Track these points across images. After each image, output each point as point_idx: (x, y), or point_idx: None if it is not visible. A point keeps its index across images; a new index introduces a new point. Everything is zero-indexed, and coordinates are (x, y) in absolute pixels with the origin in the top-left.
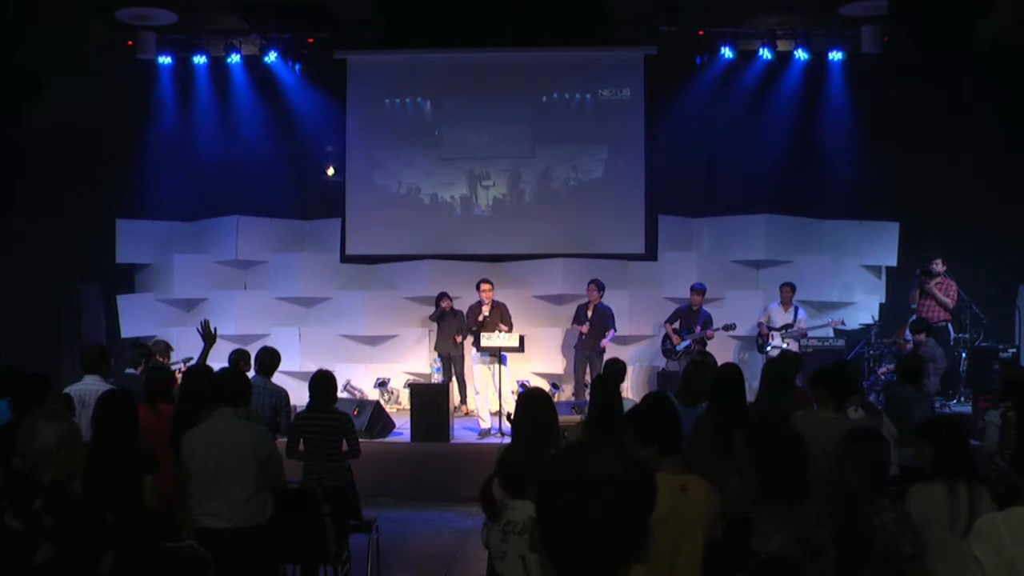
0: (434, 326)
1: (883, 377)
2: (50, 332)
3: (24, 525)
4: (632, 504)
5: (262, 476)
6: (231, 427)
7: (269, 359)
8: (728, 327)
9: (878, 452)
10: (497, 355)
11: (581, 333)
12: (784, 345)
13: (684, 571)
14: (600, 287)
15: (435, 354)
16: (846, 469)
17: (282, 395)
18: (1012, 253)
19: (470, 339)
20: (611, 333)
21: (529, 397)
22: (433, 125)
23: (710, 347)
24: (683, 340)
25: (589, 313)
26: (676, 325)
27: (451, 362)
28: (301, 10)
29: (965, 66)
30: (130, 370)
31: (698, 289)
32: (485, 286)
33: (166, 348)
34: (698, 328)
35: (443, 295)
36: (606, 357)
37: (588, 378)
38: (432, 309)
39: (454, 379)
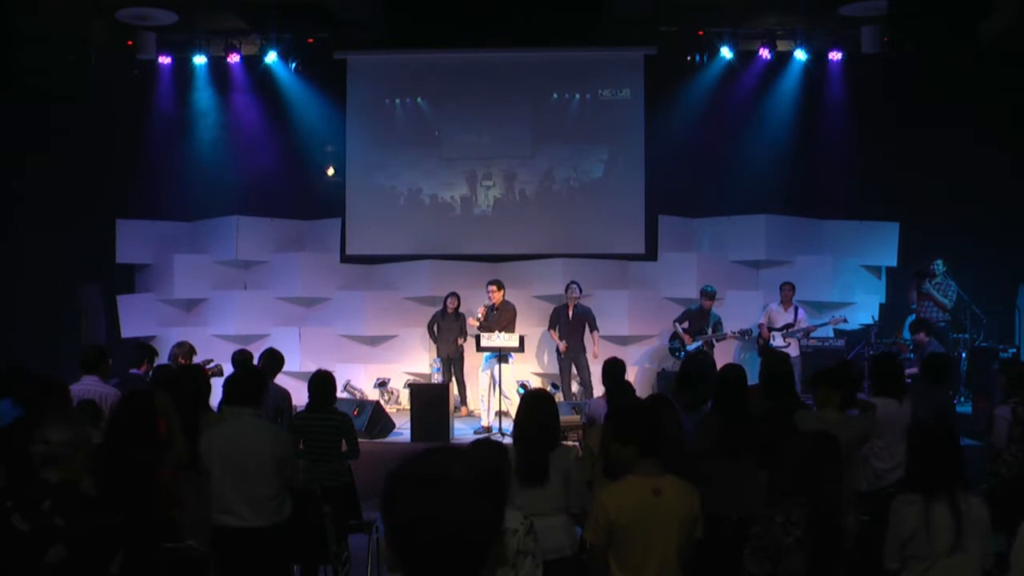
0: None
1: None
2: (50, 332)
3: (33, 526)
4: (479, 508)
5: (281, 476)
6: (252, 427)
7: (274, 362)
8: (745, 332)
9: (838, 454)
10: (500, 355)
11: (558, 345)
12: (785, 345)
13: (654, 570)
14: (579, 288)
15: (433, 355)
16: (816, 472)
17: (285, 396)
18: (1012, 253)
19: (471, 341)
20: (593, 332)
21: (532, 398)
22: (433, 125)
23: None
24: (695, 341)
25: (569, 314)
26: (685, 325)
27: (451, 363)
28: (301, 10)
29: (965, 66)
30: (133, 370)
31: (709, 292)
32: (491, 287)
33: (190, 351)
34: (709, 330)
35: (451, 295)
36: (604, 357)
37: (578, 377)
38: (437, 309)
39: (453, 380)
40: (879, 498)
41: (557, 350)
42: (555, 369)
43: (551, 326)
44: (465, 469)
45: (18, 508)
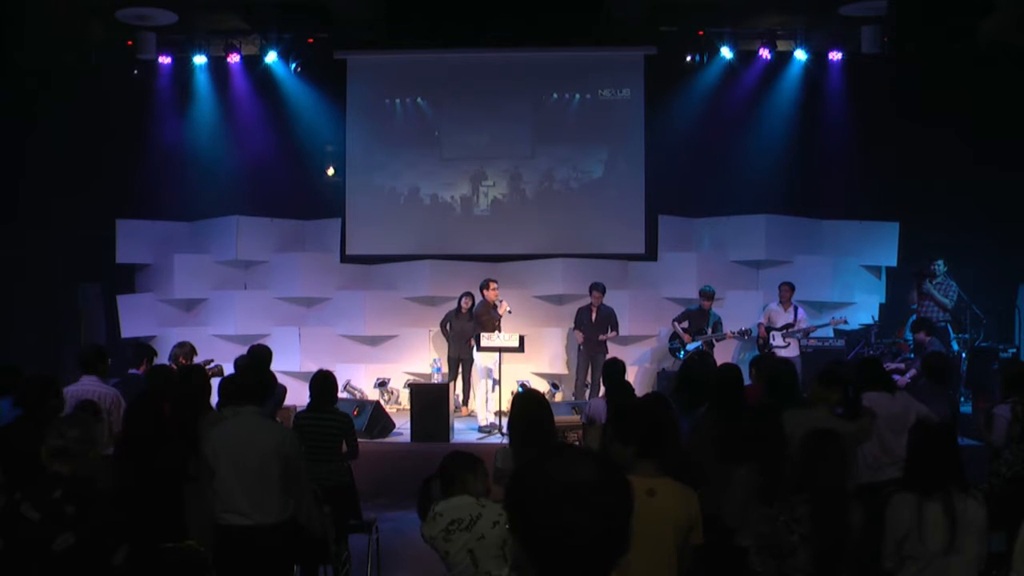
0: (435, 327)
1: None
2: (50, 332)
3: (42, 515)
4: (619, 507)
5: (285, 475)
6: (256, 425)
7: (264, 357)
8: (744, 332)
9: (841, 452)
10: (492, 367)
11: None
12: (785, 345)
13: (648, 571)
14: (603, 289)
15: (436, 354)
16: (819, 470)
17: (282, 390)
18: (1012, 253)
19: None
20: (612, 333)
21: (523, 398)
22: (433, 125)
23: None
24: (694, 340)
25: (593, 316)
26: (685, 325)
27: (460, 363)
28: (301, 10)
29: (965, 66)
30: (133, 370)
31: (708, 292)
32: (493, 285)
33: (191, 351)
34: (709, 330)
35: (466, 295)
36: (606, 358)
37: (589, 378)
38: (437, 309)
39: (459, 379)
40: (877, 497)
41: (579, 348)
42: (555, 369)
43: (576, 325)
44: (598, 472)
45: (28, 497)
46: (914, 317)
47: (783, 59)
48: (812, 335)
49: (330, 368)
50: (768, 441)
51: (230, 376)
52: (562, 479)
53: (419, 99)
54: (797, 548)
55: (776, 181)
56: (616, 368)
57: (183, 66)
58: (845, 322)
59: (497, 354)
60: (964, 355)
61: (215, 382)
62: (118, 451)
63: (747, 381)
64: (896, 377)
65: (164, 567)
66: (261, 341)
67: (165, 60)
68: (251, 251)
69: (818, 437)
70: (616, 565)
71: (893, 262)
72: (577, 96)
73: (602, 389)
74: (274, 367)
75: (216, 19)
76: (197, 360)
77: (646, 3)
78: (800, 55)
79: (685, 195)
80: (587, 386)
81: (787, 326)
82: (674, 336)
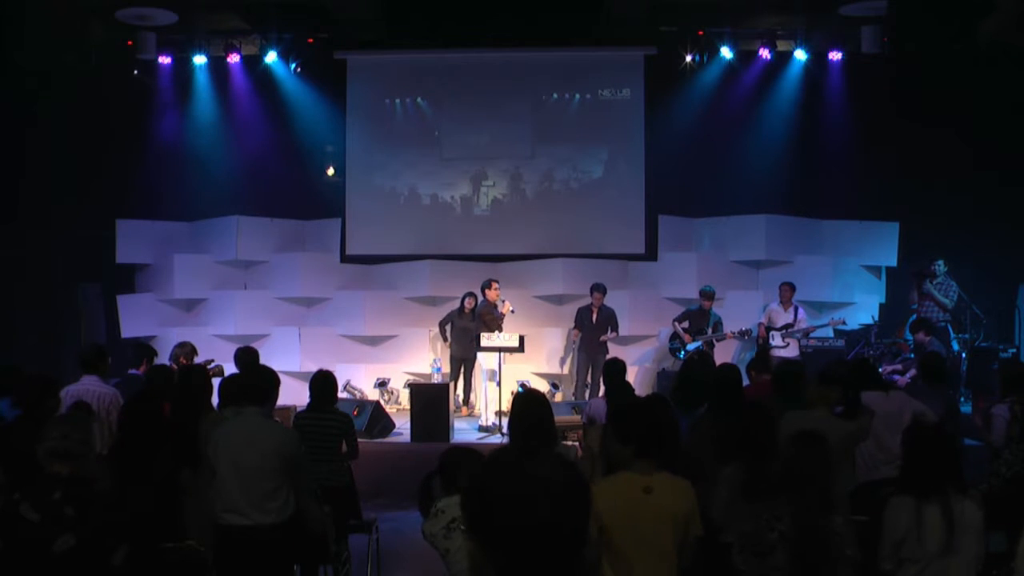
0: (435, 327)
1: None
2: (50, 332)
3: (42, 516)
4: (582, 505)
5: (286, 475)
6: (258, 426)
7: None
8: (744, 332)
9: (825, 454)
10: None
11: (576, 337)
12: (784, 345)
13: (647, 570)
14: (604, 290)
15: (435, 354)
16: (802, 470)
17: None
18: (1012, 253)
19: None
20: (612, 333)
21: (523, 398)
22: (433, 125)
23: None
24: (694, 340)
25: (594, 316)
26: (685, 325)
27: (463, 364)
28: (301, 10)
29: (965, 66)
30: (132, 370)
31: (708, 292)
32: (495, 285)
33: (192, 351)
34: (709, 330)
35: (469, 295)
36: (607, 358)
37: (590, 378)
38: (437, 309)
39: (461, 380)
40: (874, 496)
41: (577, 348)
42: (555, 369)
43: (576, 325)
44: (562, 471)
45: (27, 498)
46: (914, 317)
47: (783, 59)
48: (812, 335)
49: (330, 368)
50: (755, 439)
51: (231, 376)
52: (529, 477)
53: (419, 99)
54: (776, 547)
55: (776, 181)
56: (616, 368)
57: (183, 66)
58: (844, 323)
59: (498, 354)
60: (964, 355)
61: (215, 382)
62: (116, 451)
63: (745, 382)
64: (896, 377)
65: (164, 567)
66: (261, 341)
67: (165, 60)
68: (251, 251)
69: (804, 438)
70: (574, 562)
71: (893, 262)
72: (577, 96)
73: (602, 389)
74: (274, 367)
75: (216, 19)
76: (198, 360)
77: (646, 3)
78: (800, 55)
79: (685, 195)
80: (587, 386)
81: (787, 326)
82: (674, 336)
